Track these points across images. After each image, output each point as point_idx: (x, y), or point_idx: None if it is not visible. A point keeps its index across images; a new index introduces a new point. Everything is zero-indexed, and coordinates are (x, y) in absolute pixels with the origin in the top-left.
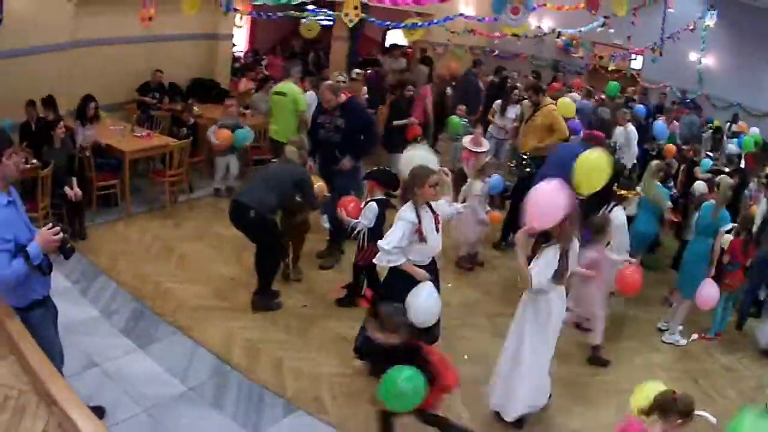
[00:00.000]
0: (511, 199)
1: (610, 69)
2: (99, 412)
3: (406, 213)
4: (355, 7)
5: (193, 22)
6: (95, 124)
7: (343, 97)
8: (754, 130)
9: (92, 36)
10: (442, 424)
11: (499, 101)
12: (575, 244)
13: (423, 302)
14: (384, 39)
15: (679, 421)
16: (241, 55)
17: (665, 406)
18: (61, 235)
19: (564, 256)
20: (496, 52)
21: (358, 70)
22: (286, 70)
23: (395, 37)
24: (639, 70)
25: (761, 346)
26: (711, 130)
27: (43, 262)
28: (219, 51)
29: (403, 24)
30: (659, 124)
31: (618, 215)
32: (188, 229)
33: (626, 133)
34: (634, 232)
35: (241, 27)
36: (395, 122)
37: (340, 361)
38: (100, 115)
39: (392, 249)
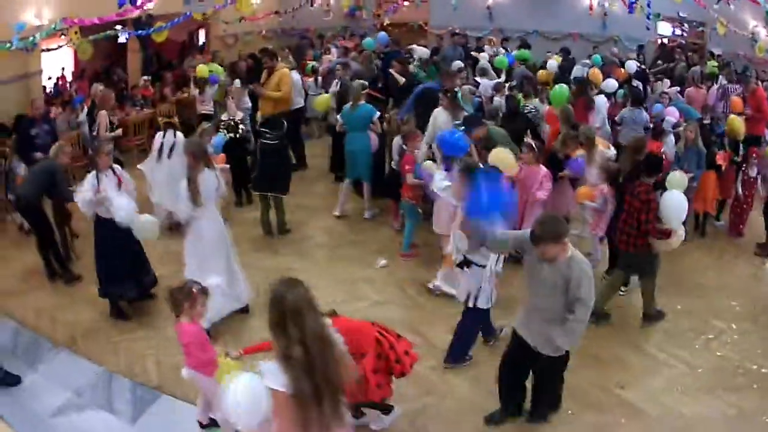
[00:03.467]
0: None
1: (386, 24)
2: None
3: (89, 177)
4: (75, 32)
5: (3, 66)
6: None
7: None
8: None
9: None
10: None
11: None
12: (205, 173)
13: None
14: (192, 40)
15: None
16: (51, 86)
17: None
18: None
19: (193, 182)
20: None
21: (145, 77)
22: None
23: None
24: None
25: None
26: None
27: None
28: (31, 87)
29: (151, 29)
30: None
31: None
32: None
33: None
34: None
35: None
36: None
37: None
38: None
39: (83, 207)
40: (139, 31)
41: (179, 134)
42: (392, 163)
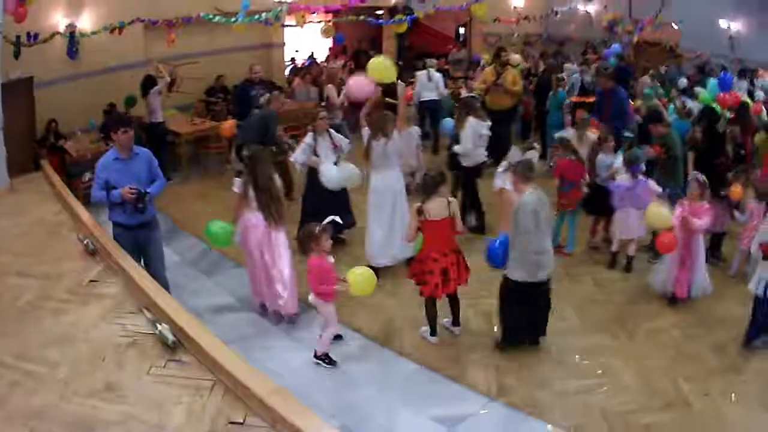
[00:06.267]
0: None
1: (638, 41)
2: None
3: (307, 138)
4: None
5: (248, 36)
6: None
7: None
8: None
9: (160, 54)
10: None
11: None
12: (380, 142)
13: (326, 172)
14: (457, 33)
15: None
16: (303, 59)
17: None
18: (134, 195)
19: (368, 146)
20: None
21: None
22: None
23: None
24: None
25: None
26: None
27: (126, 206)
28: (273, 57)
29: (391, 20)
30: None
31: None
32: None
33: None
34: None
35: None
36: None
37: None
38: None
39: (296, 161)
40: (381, 21)
41: None
42: (597, 179)
